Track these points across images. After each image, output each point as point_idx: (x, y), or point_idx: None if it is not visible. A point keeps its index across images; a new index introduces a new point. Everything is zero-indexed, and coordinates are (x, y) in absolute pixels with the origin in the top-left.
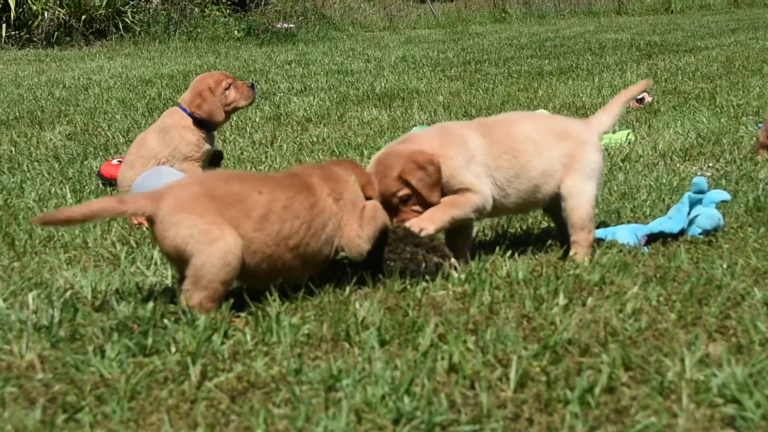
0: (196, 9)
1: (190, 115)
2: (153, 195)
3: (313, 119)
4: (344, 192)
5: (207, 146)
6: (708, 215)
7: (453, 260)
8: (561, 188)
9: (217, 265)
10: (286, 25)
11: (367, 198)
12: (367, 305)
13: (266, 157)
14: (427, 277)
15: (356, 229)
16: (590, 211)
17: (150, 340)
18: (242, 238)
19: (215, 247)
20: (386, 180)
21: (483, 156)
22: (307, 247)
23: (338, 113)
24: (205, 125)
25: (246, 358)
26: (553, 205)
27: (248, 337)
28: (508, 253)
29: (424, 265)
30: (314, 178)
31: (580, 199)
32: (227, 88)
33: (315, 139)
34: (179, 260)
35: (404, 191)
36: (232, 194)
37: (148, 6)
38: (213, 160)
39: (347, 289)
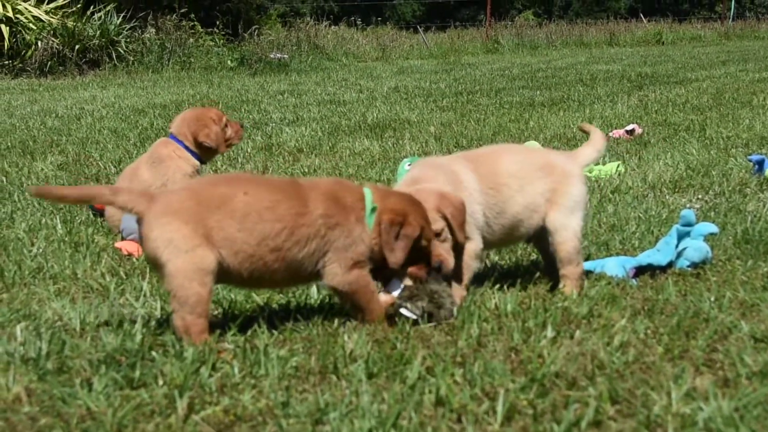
0: (190, 39)
1: (184, 146)
2: (147, 194)
3: (304, 150)
4: (341, 223)
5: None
6: (696, 248)
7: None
8: (546, 223)
9: (189, 273)
10: (279, 55)
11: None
12: (355, 337)
13: None
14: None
15: (338, 274)
16: (577, 244)
17: (137, 373)
18: (227, 240)
19: (189, 256)
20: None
21: (477, 194)
22: (289, 253)
23: (330, 144)
24: (198, 157)
25: (233, 391)
26: (540, 239)
27: (236, 370)
28: (497, 285)
29: (441, 309)
30: (316, 192)
31: (566, 234)
32: (226, 125)
33: (306, 170)
34: (156, 266)
35: (439, 225)
36: (218, 197)
37: (142, 36)
38: None
39: (336, 321)
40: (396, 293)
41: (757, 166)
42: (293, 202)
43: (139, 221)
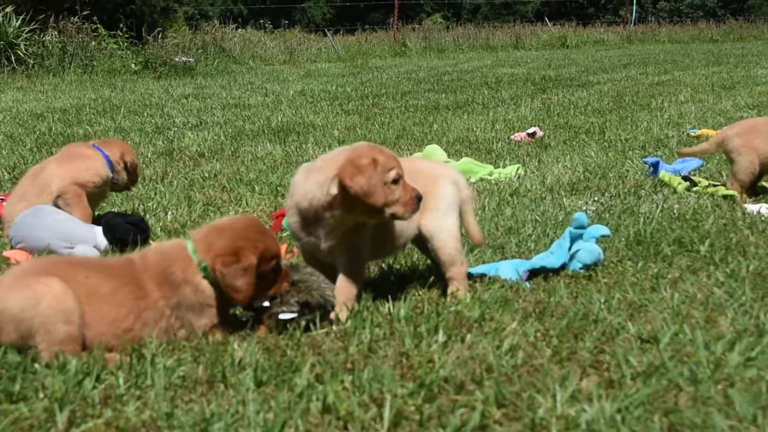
0: (93, 42)
1: (106, 157)
2: None
3: (206, 154)
4: (182, 300)
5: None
6: (588, 250)
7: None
8: (421, 228)
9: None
10: (184, 59)
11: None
12: (245, 346)
13: (155, 194)
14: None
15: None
16: (457, 244)
17: (17, 386)
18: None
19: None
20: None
21: None
22: (141, 332)
23: (232, 148)
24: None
25: (117, 403)
26: (420, 244)
27: (121, 381)
28: (392, 290)
29: (313, 290)
30: (148, 275)
31: (444, 236)
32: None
33: (207, 175)
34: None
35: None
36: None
37: (42, 38)
38: None
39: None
40: (266, 303)
41: (652, 169)
42: (132, 287)
43: None
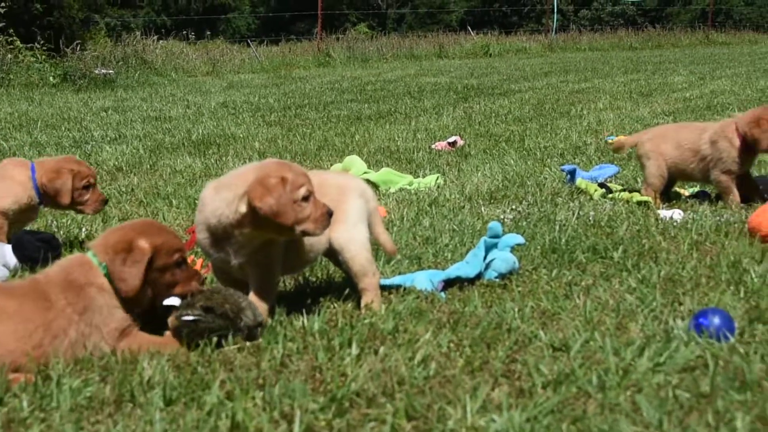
0: (9, 54)
1: (35, 179)
2: None
3: (124, 168)
4: (89, 304)
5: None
6: (503, 259)
7: (259, 314)
8: (332, 242)
9: None
10: (104, 71)
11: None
12: (154, 363)
13: None
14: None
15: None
16: (368, 255)
17: None
18: None
19: None
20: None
21: None
22: (52, 346)
23: (151, 162)
24: (41, 197)
25: (21, 427)
26: (332, 256)
27: (25, 404)
28: (306, 303)
29: (230, 305)
30: (51, 284)
31: (354, 248)
32: (86, 188)
33: (123, 190)
34: None
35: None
36: None
37: None
38: None
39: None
40: (172, 302)
41: (569, 176)
42: (37, 300)
43: None
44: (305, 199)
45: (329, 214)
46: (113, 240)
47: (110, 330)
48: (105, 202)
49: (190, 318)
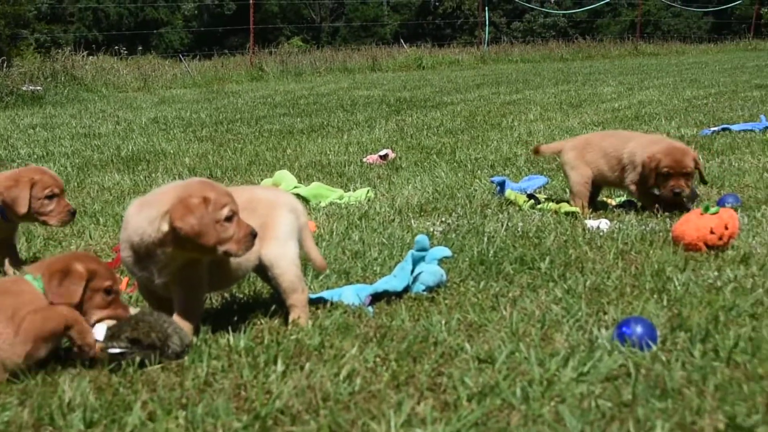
0: None
1: None
2: None
3: None
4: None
5: None
6: (431, 272)
7: (186, 335)
8: (262, 258)
9: None
10: (32, 87)
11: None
12: (75, 385)
13: None
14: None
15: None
16: (297, 272)
17: None
18: None
19: None
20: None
21: None
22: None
23: (78, 179)
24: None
25: None
26: (261, 272)
27: None
28: (232, 320)
29: (156, 333)
30: None
31: (284, 263)
32: (49, 198)
33: None
34: None
35: None
36: None
37: None
38: None
39: (59, 368)
40: (100, 336)
41: (498, 188)
42: None
43: None
44: (228, 219)
45: (253, 235)
46: (53, 267)
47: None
48: (73, 213)
49: (117, 351)
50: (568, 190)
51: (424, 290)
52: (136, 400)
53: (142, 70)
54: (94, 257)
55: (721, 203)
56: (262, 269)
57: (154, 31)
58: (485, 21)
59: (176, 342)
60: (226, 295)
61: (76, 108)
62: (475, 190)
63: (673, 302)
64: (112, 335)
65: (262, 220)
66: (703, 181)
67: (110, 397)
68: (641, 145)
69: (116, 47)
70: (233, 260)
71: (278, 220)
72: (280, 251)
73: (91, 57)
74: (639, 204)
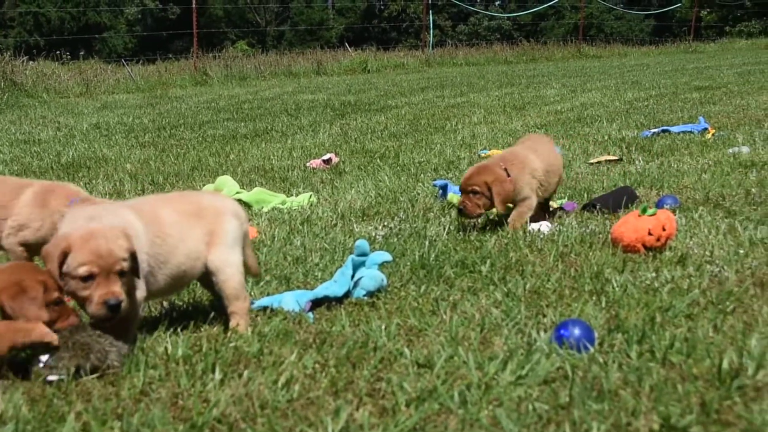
0: None
1: None
2: None
3: None
4: None
5: None
6: (371, 276)
7: (123, 346)
8: (208, 264)
9: None
10: None
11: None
12: (7, 397)
13: None
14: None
15: None
16: (241, 279)
17: None
18: None
19: None
20: (114, 244)
21: (145, 244)
22: None
23: None
24: None
25: None
26: (204, 279)
27: None
28: (171, 328)
29: (95, 353)
30: None
31: (230, 270)
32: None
33: None
34: None
35: (128, 264)
36: None
37: None
38: None
39: None
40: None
41: (441, 191)
42: None
43: None
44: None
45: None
46: (2, 283)
47: None
48: None
49: (56, 378)
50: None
51: (364, 295)
52: (70, 411)
53: (84, 75)
54: (32, 266)
55: (659, 204)
56: (205, 275)
57: (97, 36)
58: (429, 24)
59: (114, 358)
60: (164, 303)
61: (16, 114)
62: (418, 194)
63: (611, 304)
64: (51, 366)
65: (210, 227)
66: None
67: (44, 409)
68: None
69: (58, 52)
70: (179, 267)
71: (225, 227)
72: (226, 258)
73: (31, 62)
74: (579, 207)
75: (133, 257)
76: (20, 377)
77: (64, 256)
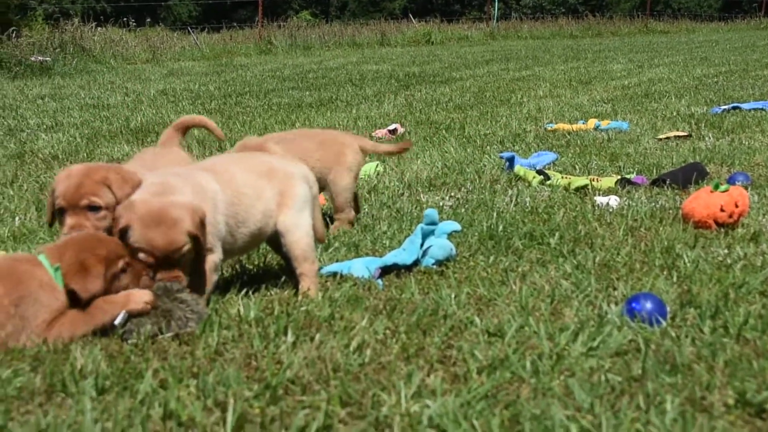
0: None
1: None
2: None
3: (60, 157)
4: (25, 295)
5: None
6: (440, 245)
7: (204, 312)
8: (278, 225)
9: None
10: (41, 58)
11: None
12: (87, 353)
13: (3, 198)
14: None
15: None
16: (310, 241)
17: None
18: None
19: None
20: (172, 233)
21: (222, 204)
22: None
23: (88, 150)
24: None
25: None
26: (273, 241)
27: None
28: (243, 291)
29: (176, 320)
30: None
31: (299, 233)
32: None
33: None
34: None
35: (188, 247)
36: None
37: None
38: None
39: None
40: (118, 321)
41: (508, 163)
42: None
43: None
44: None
45: None
46: (67, 259)
47: (41, 321)
48: None
49: (134, 341)
50: (578, 167)
51: (433, 264)
52: (147, 368)
53: (150, 42)
54: (98, 238)
55: (731, 181)
56: (275, 237)
57: (162, 3)
58: None
59: (194, 325)
60: (236, 266)
61: (85, 79)
62: (485, 166)
63: (683, 279)
64: (131, 330)
65: (280, 188)
66: None
67: (122, 365)
68: None
69: (124, 19)
70: (256, 225)
71: (294, 189)
72: (296, 220)
73: (99, 28)
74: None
75: (196, 235)
76: (98, 334)
77: (124, 231)
